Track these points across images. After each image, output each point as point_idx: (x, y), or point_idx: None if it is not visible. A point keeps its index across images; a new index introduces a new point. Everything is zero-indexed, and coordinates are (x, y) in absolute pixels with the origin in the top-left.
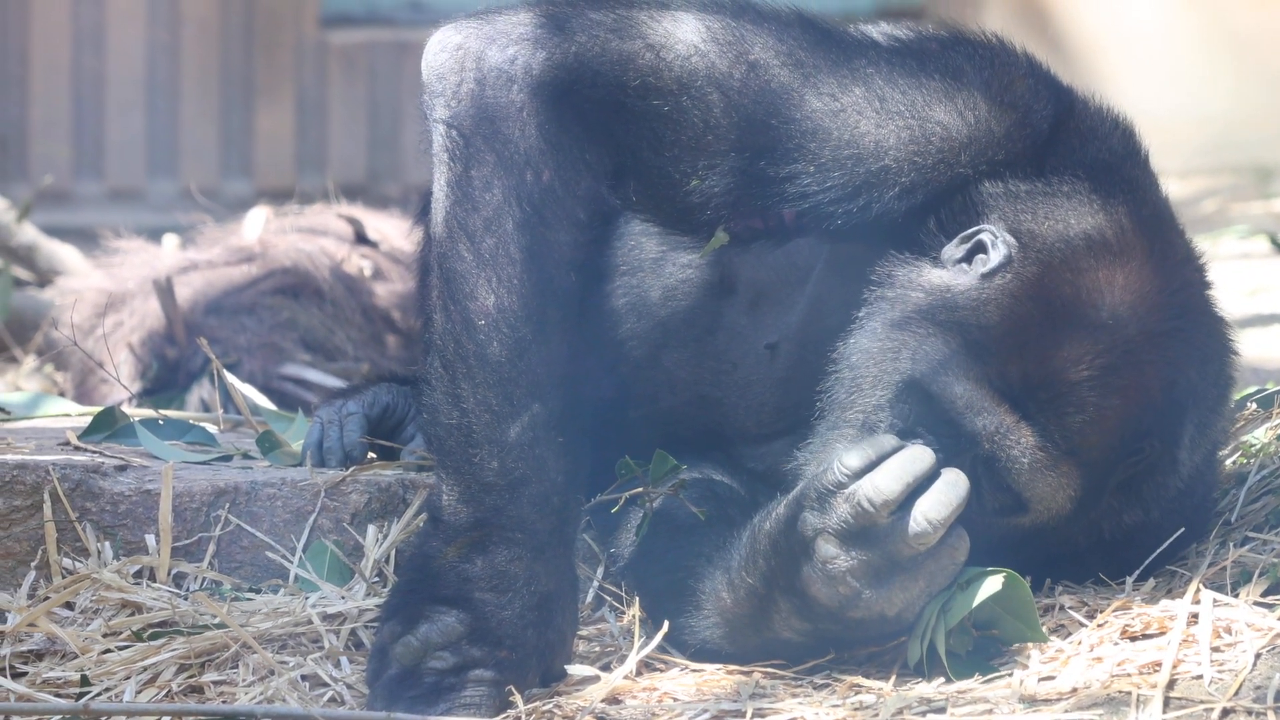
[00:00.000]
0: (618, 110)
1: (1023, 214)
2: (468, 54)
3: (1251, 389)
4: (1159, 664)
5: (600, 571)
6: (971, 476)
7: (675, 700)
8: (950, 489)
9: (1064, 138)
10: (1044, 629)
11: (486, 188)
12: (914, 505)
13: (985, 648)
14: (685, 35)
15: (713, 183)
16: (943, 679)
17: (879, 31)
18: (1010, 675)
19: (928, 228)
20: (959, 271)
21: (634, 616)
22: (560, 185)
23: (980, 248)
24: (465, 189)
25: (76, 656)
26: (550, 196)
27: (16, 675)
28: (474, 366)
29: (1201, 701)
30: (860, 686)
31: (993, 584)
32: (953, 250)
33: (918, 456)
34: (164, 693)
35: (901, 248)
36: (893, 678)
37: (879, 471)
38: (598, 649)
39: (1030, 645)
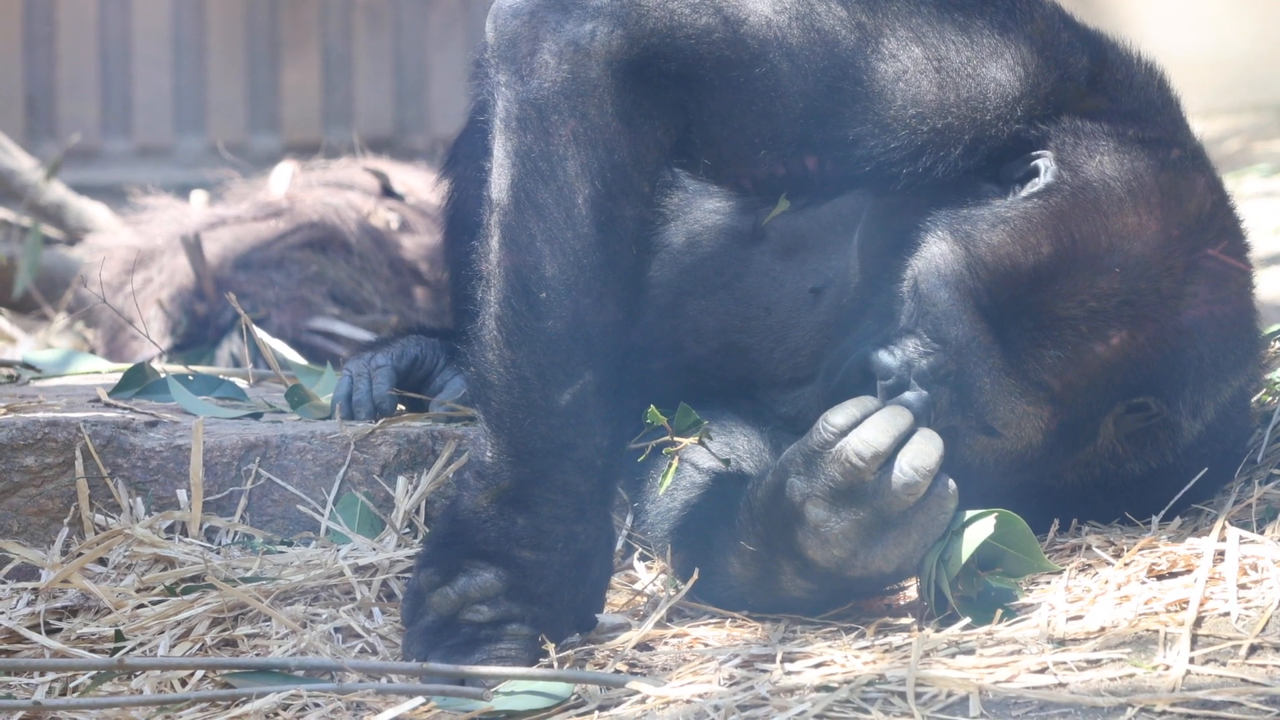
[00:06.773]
0: (689, 83)
1: (1067, 151)
2: (543, 24)
3: (1275, 327)
4: (1186, 602)
5: (630, 520)
6: (942, 397)
7: (706, 646)
8: (929, 440)
9: (1101, 88)
10: (1072, 566)
11: (560, 162)
12: (897, 459)
13: (1001, 595)
14: (756, 6)
15: (782, 149)
16: (969, 619)
17: None
18: (1038, 615)
19: (984, 183)
20: (1008, 194)
21: (663, 566)
22: (631, 161)
23: (1034, 173)
24: (537, 162)
25: (110, 612)
26: (621, 173)
27: (51, 631)
28: (530, 335)
29: (1229, 638)
30: (888, 627)
31: (985, 526)
32: (1009, 174)
33: (900, 412)
34: (198, 646)
35: (956, 198)
36: (919, 619)
37: (865, 426)
38: (627, 597)
39: (1048, 587)
